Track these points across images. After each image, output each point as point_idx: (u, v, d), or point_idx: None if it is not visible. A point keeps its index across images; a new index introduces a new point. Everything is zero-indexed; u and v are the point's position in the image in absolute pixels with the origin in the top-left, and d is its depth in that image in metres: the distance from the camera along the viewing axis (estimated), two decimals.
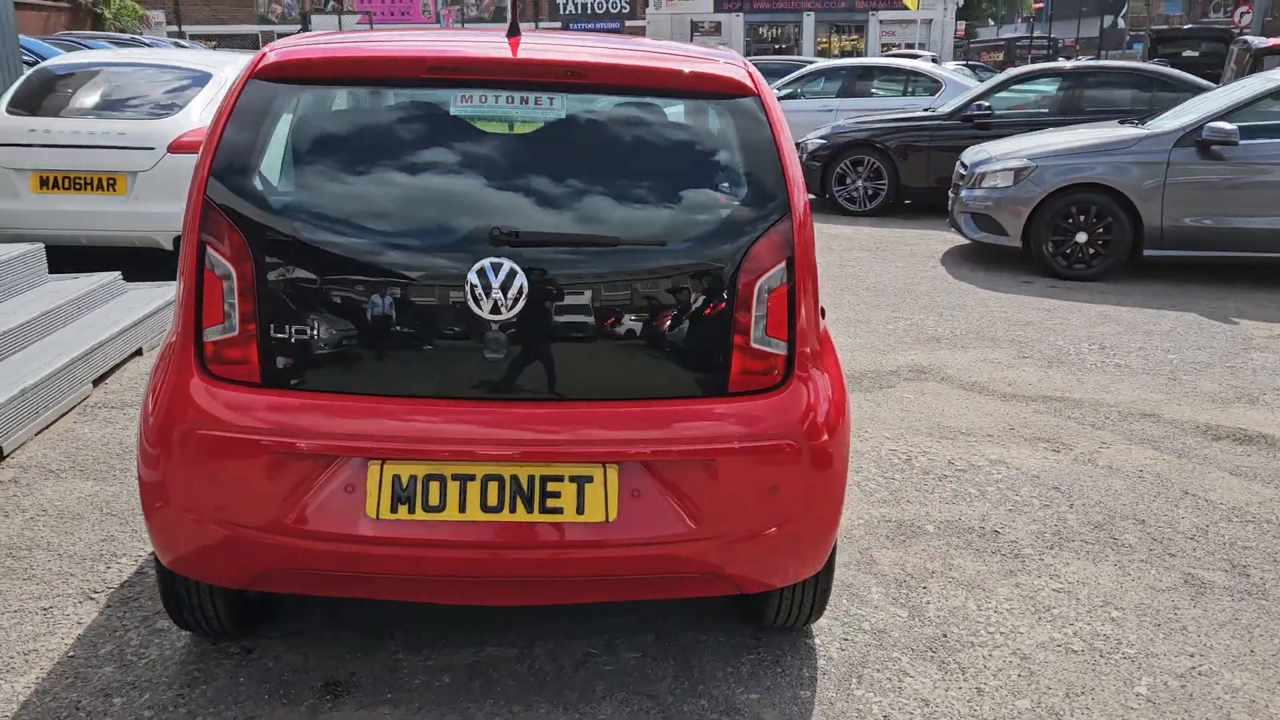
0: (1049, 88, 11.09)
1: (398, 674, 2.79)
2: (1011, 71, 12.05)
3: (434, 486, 2.43)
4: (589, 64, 2.55)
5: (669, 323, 2.48)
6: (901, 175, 10.84)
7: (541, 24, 38.50)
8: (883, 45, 40.21)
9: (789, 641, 2.99)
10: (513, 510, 2.43)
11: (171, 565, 2.58)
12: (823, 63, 15.50)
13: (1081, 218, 7.81)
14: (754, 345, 2.52)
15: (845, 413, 2.70)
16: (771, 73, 15.82)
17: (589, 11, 39.00)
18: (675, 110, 2.65)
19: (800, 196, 2.59)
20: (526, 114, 2.52)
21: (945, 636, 3.04)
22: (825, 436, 2.59)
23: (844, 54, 39.45)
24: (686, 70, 2.60)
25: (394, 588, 2.56)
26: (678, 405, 2.50)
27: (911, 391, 5.24)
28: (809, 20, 41.72)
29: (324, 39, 2.77)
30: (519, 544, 2.43)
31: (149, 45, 16.63)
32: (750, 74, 2.66)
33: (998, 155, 8.29)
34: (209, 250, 2.45)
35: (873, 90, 13.89)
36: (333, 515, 2.42)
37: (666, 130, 2.64)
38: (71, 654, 2.86)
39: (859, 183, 10.98)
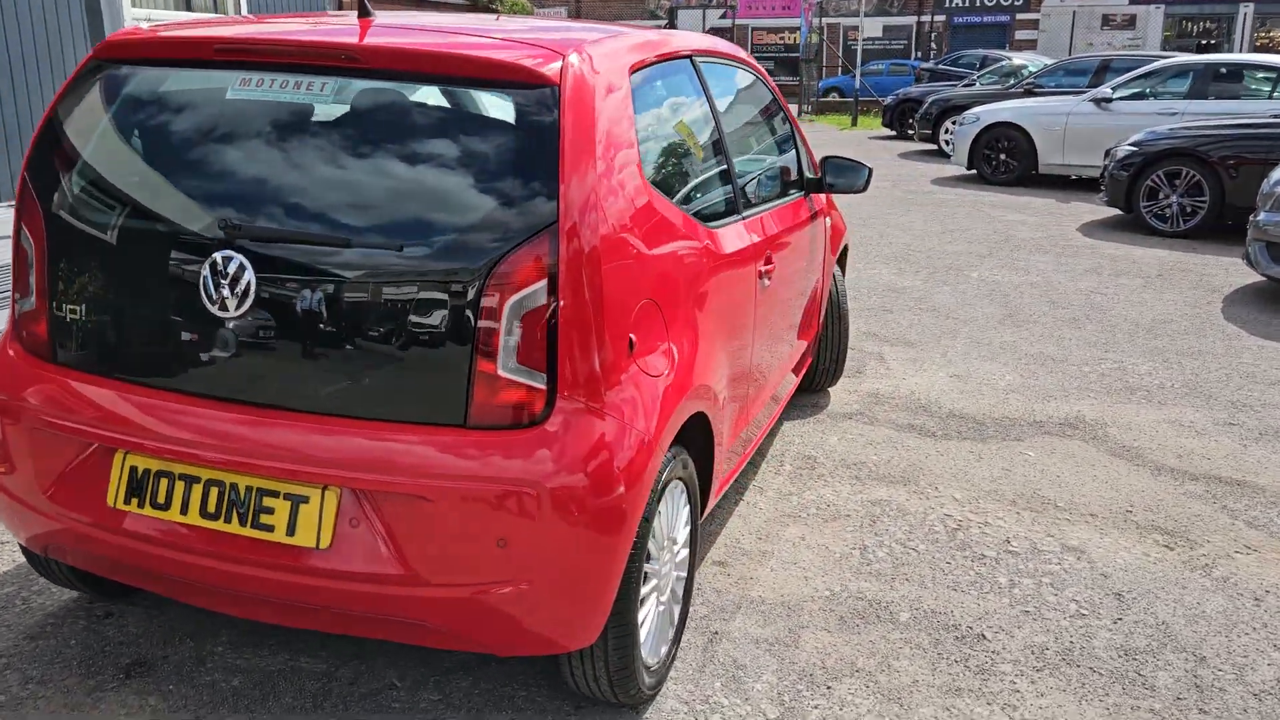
0: None
1: (201, 667, 2.75)
2: None
3: (163, 484, 2.35)
4: (365, 48, 2.32)
5: (404, 339, 2.20)
6: (1226, 192, 9.16)
7: (922, 17, 36.95)
8: None
9: (608, 719, 2.59)
10: (228, 520, 2.29)
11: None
12: (1180, 58, 13.41)
13: None
14: (502, 374, 2.18)
15: (639, 468, 2.27)
16: (1117, 70, 14.00)
17: (977, 5, 36.80)
18: (457, 100, 2.35)
19: (584, 210, 2.19)
20: (297, 99, 2.34)
21: None
22: (590, 491, 2.19)
23: None
24: (474, 56, 2.29)
25: (138, 579, 2.52)
26: (409, 433, 2.22)
27: (1038, 449, 4.38)
28: (1246, 10, 36.53)
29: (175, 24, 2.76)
30: (229, 556, 2.29)
31: None
32: (565, 63, 2.29)
33: None
34: (22, 225, 2.53)
35: (1234, 92, 11.85)
36: (83, 498, 2.42)
37: (437, 122, 2.34)
38: None
39: (1173, 198, 9.42)
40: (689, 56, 3.07)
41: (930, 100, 16.78)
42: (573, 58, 2.33)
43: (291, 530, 2.25)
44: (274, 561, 2.25)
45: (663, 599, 2.64)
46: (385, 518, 2.21)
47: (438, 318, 2.18)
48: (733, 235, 3.03)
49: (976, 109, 13.43)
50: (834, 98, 28.79)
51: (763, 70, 3.96)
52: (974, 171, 13.25)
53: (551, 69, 2.27)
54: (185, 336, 2.33)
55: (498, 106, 2.28)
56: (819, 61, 24.07)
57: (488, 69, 2.28)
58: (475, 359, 2.18)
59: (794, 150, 4.16)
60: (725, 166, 3.15)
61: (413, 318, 2.19)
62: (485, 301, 2.16)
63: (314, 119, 2.33)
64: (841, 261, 5.07)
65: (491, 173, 2.23)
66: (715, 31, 30.79)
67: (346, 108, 2.35)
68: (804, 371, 4.41)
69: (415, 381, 2.22)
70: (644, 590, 2.52)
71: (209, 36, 2.45)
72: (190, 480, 2.32)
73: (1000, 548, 3.51)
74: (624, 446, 2.26)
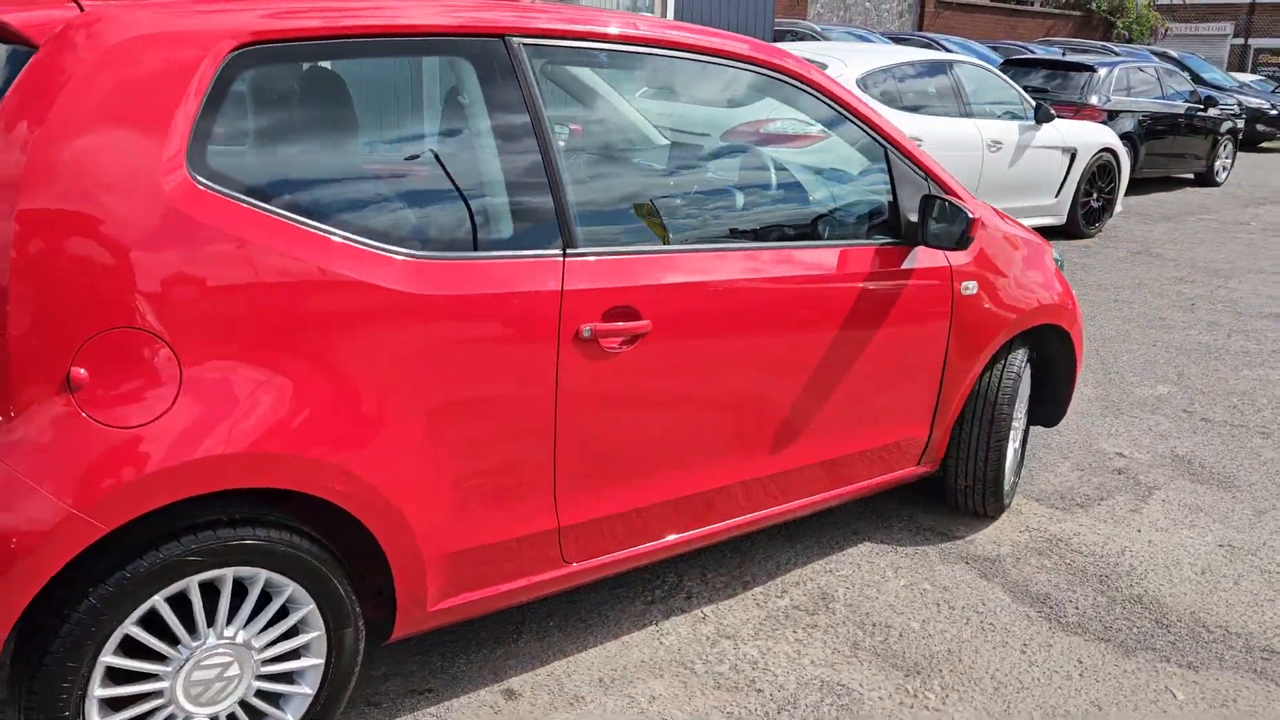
0: None
1: None
2: None
3: None
4: None
5: None
6: None
7: None
8: None
9: None
10: None
11: None
12: None
13: None
14: None
15: (29, 540, 1.79)
16: None
17: None
18: None
19: None
20: None
21: None
22: None
23: None
24: None
25: None
26: None
27: (1203, 689, 2.73)
28: None
29: None
30: None
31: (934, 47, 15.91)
32: (68, 25, 1.85)
33: None
34: None
35: None
36: None
37: None
38: None
39: None
40: (499, 36, 2.32)
41: None
42: (90, 19, 1.87)
43: None
44: None
45: None
46: None
47: None
48: (481, 274, 2.23)
49: None
50: None
51: (810, 76, 2.88)
52: None
53: (43, 27, 1.85)
54: None
55: None
56: None
57: None
58: None
59: (867, 182, 3.04)
60: (538, 185, 2.35)
61: None
62: None
63: None
64: (1047, 348, 3.66)
65: None
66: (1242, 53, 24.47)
67: None
68: (879, 483, 3.24)
69: None
70: (130, 713, 2.00)
71: None
72: None
73: None
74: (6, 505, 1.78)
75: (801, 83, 2.87)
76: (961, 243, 2.93)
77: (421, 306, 2.15)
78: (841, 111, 2.96)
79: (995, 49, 16.75)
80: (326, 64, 2.21)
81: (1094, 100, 11.01)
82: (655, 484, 2.64)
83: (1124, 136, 11.18)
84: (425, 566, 2.28)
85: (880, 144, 3.03)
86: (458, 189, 2.30)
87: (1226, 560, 3.46)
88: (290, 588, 2.12)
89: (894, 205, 3.05)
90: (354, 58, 2.20)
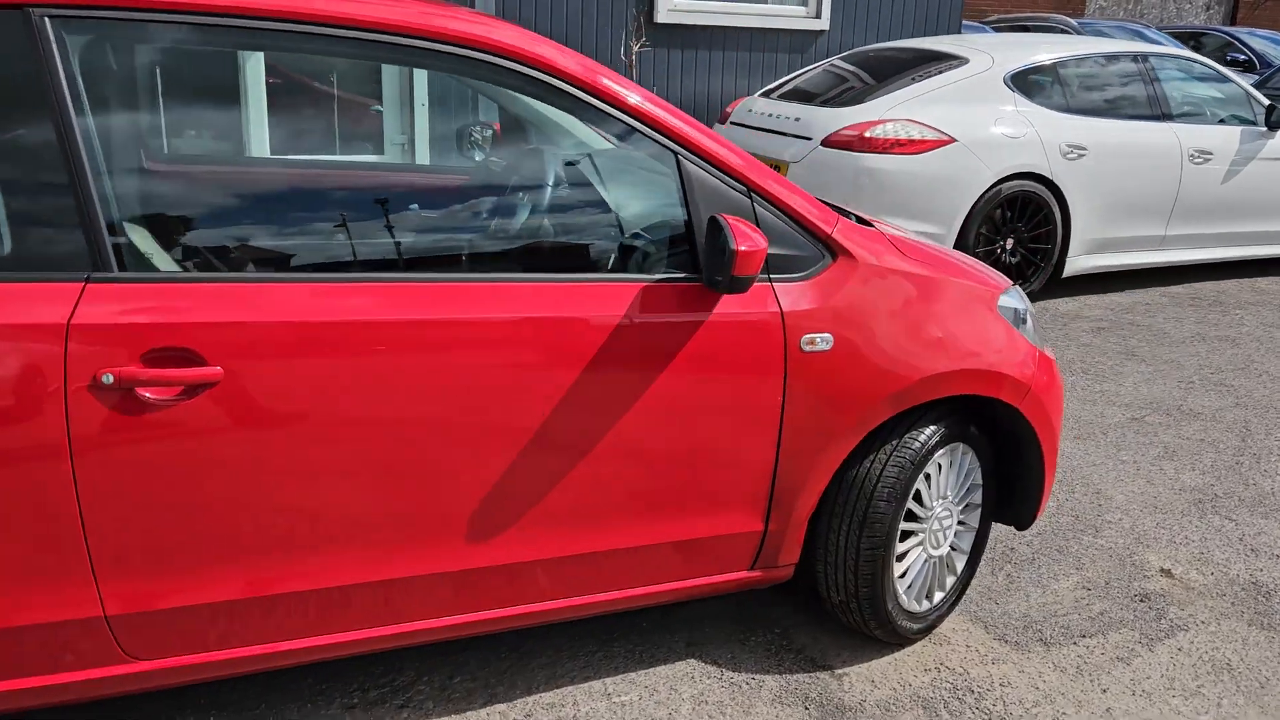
0: None
1: None
2: None
3: None
4: None
5: None
6: None
7: None
8: None
9: None
10: None
11: None
12: None
13: None
14: None
15: None
16: None
17: None
18: None
19: None
20: None
21: None
22: None
23: None
24: None
25: None
26: None
27: None
28: None
29: None
30: None
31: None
32: None
33: None
34: None
35: None
36: None
37: None
38: None
39: None
40: (18, 7, 1.86)
41: None
42: None
43: None
44: None
45: None
46: None
47: None
48: None
49: None
50: None
51: (535, 52, 2.19)
52: None
53: None
54: None
55: None
56: None
57: None
58: None
59: (652, 201, 2.31)
60: (53, 192, 1.86)
61: None
62: None
63: None
64: (1017, 427, 2.72)
65: None
66: None
67: None
68: (684, 588, 2.47)
69: None
70: None
71: None
72: None
73: None
74: None
75: (521, 62, 2.18)
76: (731, 284, 2.14)
77: None
78: (598, 103, 2.24)
79: None
80: None
81: None
82: (273, 572, 2.08)
83: None
84: None
85: (669, 148, 2.28)
86: None
87: None
88: None
89: (690, 229, 2.30)
90: None
